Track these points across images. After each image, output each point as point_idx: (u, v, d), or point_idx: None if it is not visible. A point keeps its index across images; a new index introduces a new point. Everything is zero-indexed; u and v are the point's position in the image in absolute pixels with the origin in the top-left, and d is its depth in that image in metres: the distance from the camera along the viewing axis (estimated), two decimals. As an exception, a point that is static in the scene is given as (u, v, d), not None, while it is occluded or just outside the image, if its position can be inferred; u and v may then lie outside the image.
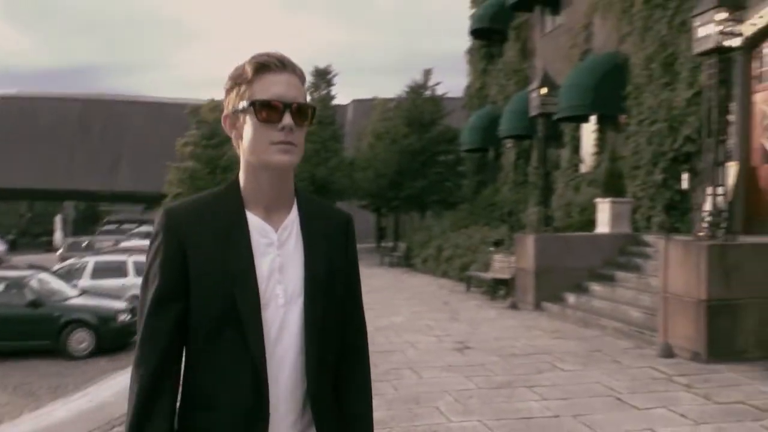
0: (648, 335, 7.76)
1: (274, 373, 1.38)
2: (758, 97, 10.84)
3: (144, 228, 24.73)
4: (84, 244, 21.87)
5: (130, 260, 13.50)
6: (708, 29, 7.40)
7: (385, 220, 31.30)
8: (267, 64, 1.39)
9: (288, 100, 1.37)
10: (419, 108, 24.77)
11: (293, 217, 1.47)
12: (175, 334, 1.38)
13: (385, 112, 28.05)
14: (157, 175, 35.51)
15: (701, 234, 7.44)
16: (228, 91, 1.44)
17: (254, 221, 1.43)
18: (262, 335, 1.37)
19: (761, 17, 10.28)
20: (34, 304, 10.50)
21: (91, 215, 44.61)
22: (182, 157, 26.35)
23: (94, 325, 10.39)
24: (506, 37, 19.56)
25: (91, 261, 13.82)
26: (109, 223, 27.80)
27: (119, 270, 13.46)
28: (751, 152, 10.97)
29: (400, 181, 24.09)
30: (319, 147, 22.58)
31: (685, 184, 11.82)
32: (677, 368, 6.49)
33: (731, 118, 11.15)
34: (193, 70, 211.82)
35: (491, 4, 19.61)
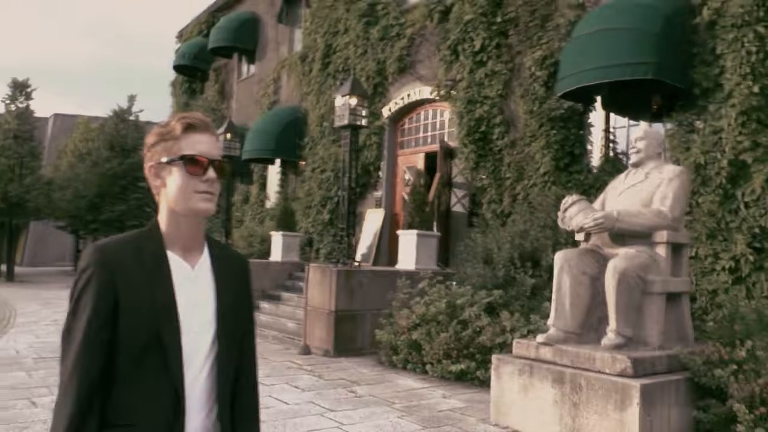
0: (297, 340, 9.93)
1: (189, 392, 1.56)
2: (401, 159, 14.01)
3: None
4: None
5: None
6: (344, 110, 9.93)
7: (83, 242, 30.43)
8: (194, 125, 1.60)
9: (212, 156, 1.59)
10: (122, 133, 25.17)
11: (205, 257, 1.67)
12: (104, 359, 1.50)
13: (87, 132, 27.70)
14: None
15: (333, 262, 9.90)
16: (152, 145, 1.62)
17: (174, 259, 1.61)
18: (182, 359, 1.54)
19: (402, 99, 13.46)
20: None
21: None
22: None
23: None
24: (207, 76, 21.26)
25: None
26: None
27: None
28: (395, 202, 14.05)
29: (100, 203, 24.09)
30: (15, 163, 21.66)
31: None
32: (308, 360, 8.72)
33: (381, 174, 14.25)
34: None
35: (195, 44, 21.14)
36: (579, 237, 6.28)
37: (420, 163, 13.08)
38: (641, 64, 8.01)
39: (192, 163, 1.57)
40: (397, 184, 14.03)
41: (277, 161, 17.03)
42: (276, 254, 13.59)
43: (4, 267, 23.79)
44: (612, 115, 9.83)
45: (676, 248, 5.83)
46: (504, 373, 5.92)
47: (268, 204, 17.68)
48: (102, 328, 1.49)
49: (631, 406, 4.87)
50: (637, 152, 6.14)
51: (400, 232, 10.93)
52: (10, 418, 5.57)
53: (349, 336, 9.19)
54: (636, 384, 4.88)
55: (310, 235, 14.99)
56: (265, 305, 12.09)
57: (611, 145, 9.68)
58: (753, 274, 7.33)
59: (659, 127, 8.70)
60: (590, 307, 5.74)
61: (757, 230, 7.27)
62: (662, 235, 5.65)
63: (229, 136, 13.41)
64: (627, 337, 5.44)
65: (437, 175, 11.71)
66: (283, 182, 17.09)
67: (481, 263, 8.74)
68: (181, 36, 23.27)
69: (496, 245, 8.67)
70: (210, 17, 21.28)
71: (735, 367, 5.05)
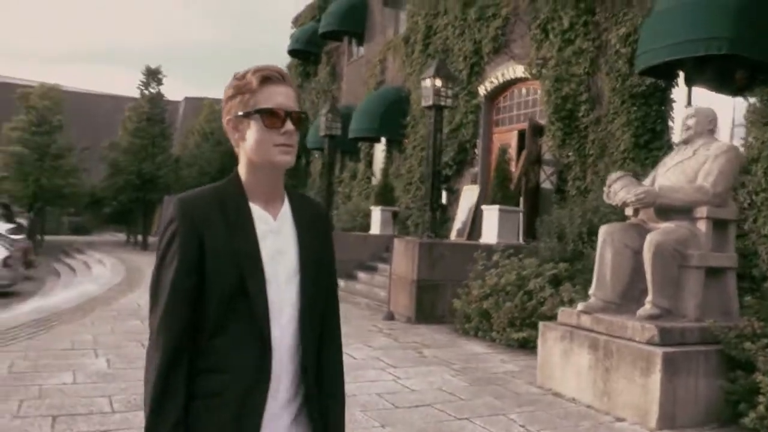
0: (386, 308, 10.71)
1: (277, 342, 1.57)
2: (496, 137, 14.36)
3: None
4: None
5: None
6: (429, 91, 10.47)
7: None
8: (270, 77, 1.59)
9: (289, 108, 1.59)
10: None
11: (286, 208, 1.67)
12: (192, 310, 1.53)
13: (212, 113, 29.88)
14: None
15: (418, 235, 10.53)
16: (229, 98, 1.62)
17: (256, 210, 1.61)
18: (268, 308, 1.56)
19: (497, 78, 13.77)
20: None
21: None
22: (9, 141, 26.42)
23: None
24: (320, 59, 22.37)
25: None
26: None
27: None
28: (490, 179, 14.42)
29: (222, 179, 26.07)
30: (147, 143, 24.00)
31: (444, 199, 15.16)
32: (390, 325, 9.46)
33: (477, 151, 14.67)
34: None
35: (307, 29, 22.31)
36: (628, 212, 6.54)
37: (513, 140, 13.37)
38: (715, 39, 7.94)
39: (269, 116, 1.58)
40: (492, 161, 14.37)
41: (383, 139, 17.79)
42: (375, 227, 14.41)
43: (140, 237, 26.36)
44: (696, 90, 9.74)
45: (719, 224, 5.97)
46: (549, 339, 6.36)
47: (374, 181, 18.52)
48: (189, 279, 1.53)
49: (654, 372, 5.21)
50: (687, 129, 6.31)
51: (483, 207, 11.37)
52: (123, 354, 6.93)
53: (430, 304, 9.82)
54: (659, 351, 5.20)
55: (410, 210, 15.67)
56: (361, 275, 12.95)
57: (695, 120, 9.60)
58: (828, 252, 7.23)
59: (740, 100, 8.63)
60: (632, 279, 6.03)
61: (833, 207, 7.14)
62: (702, 211, 5.83)
63: (330, 116, 14.29)
64: (663, 309, 5.71)
65: (524, 153, 12.01)
66: (388, 159, 17.85)
67: (555, 238, 9.08)
68: (296, 21, 24.52)
69: (568, 220, 8.96)
70: (322, 2, 22.30)
71: (766, 341, 5.23)
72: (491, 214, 10.79)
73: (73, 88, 39.15)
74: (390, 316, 10.00)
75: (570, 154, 11.12)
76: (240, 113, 1.60)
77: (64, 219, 36.81)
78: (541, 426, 5.09)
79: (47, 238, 29.46)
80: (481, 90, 14.17)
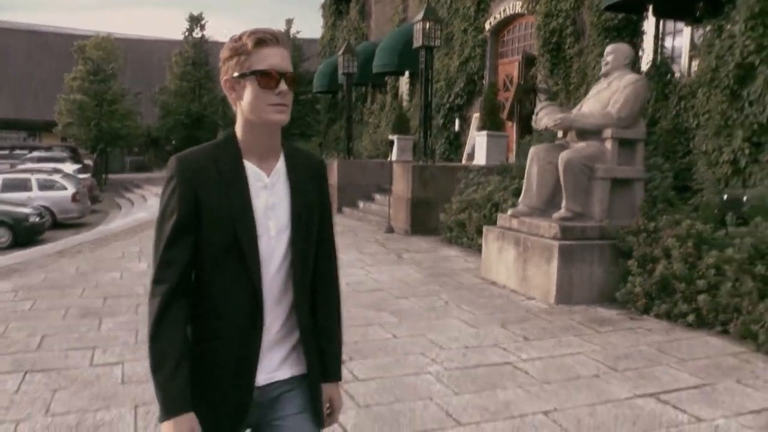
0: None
1: (267, 290, 1.71)
2: (500, 68, 15.44)
3: (36, 153, 27.32)
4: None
5: (33, 178, 16.94)
6: (419, 34, 11.69)
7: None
8: (264, 39, 1.65)
9: (283, 69, 1.66)
10: (283, 53, 28.40)
11: (281, 165, 1.77)
12: (189, 259, 1.67)
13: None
14: (40, 104, 37.30)
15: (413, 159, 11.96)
16: (227, 60, 1.69)
17: (250, 167, 1.72)
18: (259, 261, 1.69)
19: (499, 14, 14.77)
20: (-39, 209, 13.92)
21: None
22: (71, 90, 28.85)
23: (11, 224, 13.93)
24: (350, -2, 23.44)
25: (-1, 178, 17.12)
26: (0, 149, 30.07)
27: (24, 186, 16.87)
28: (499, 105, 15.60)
29: None
30: (194, 85, 25.86)
31: (456, 126, 16.44)
32: (387, 237, 11.05)
33: (484, 82, 15.79)
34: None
35: (338, -30, 23.33)
36: (560, 134, 7.82)
37: (515, 71, 14.44)
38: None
39: (264, 77, 1.63)
40: (499, 90, 15.50)
41: (406, 73, 18.96)
42: (393, 154, 15.83)
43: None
44: (664, 22, 10.66)
45: (626, 143, 7.21)
46: (489, 240, 7.83)
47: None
48: (185, 231, 1.65)
49: (553, 260, 6.65)
50: (606, 65, 7.51)
51: (474, 133, 12.66)
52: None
53: (423, 219, 11.32)
54: (557, 244, 6.62)
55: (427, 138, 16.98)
56: (377, 196, 14.52)
57: (660, 49, 10.58)
58: (749, 166, 8.35)
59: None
60: (555, 189, 7.37)
61: (756, 127, 8.21)
62: (608, 132, 7.09)
63: (348, 56, 15.67)
64: (576, 212, 7.07)
65: (515, 82, 13.13)
66: (411, 91, 19.07)
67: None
68: (330, -39, 25.45)
69: (539, 142, 10.21)
70: (351, -58, 23.15)
71: (644, 235, 6.57)
72: (481, 139, 12.10)
73: (126, 34, 41.12)
74: (390, 230, 11.58)
75: (559, 82, 12.22)
76: (236, 74, 1.67)
77: (127, 158, 39.54)
78: (461, 302, 6.64)
79: (111, 176, 32.18)
80: (487, 25, 15.20)
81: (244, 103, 1.69)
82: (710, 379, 4.51)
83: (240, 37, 1.68)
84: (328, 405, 1.93)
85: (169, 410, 1.61)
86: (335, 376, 1.95)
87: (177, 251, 1.66)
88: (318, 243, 1.86)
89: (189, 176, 1.66)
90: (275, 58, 1.66)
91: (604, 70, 7.54)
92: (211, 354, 1.70)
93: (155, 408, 3.62)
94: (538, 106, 7.59)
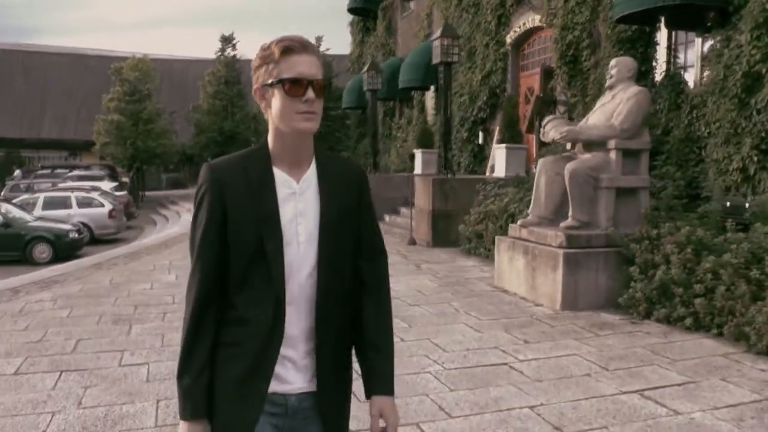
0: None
1: (295, 297, 1.70)
2: (522, 81, 15.73)
3: (76, 172, 28.38)
4: (23, 187, 25.39)
5: (73, 195, 17.75)
6: (437, 50, 12.06)
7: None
8: (291, 47, 1.66)
9: (310, 77, 1.65)
10: (313, 71, 29.04)
11: (312, 172, 1.76)
12: (218, 266, 1.70)
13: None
14: (80, 124, 38.60)
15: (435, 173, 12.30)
16: (257, 68, 1.71)
17: (279, 175, 1.72)
18: (283, 269, 1.68)
19: (519, 27, 15.07)
20: (5, 225, 14.67)
21: (11, 162, 46.89)
22: (108, 110, 29.95)
23: (52, 240, 14.64)
24: (377, 15, 23.94)
25: (41, 196, 17.95)
26: (43, 168, 31.34)
27: (64, 203, 17.69)
28: (520, 117, 15.86)
29: None
30: (226, 103, 26.65)
31: (480, 139, 16.73)
32: (409, 249, 11.39)
33: (506, 94, 16.08)
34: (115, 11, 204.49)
35: (365, -13, 23.88)
36: (568, 146, 8.09)
37: (536, 83, 14.71)
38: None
39: (291, 85, 1.64)
40: (520, 103, 15.78)
41: (432, 87, 19.34)
42: (417, 168, 16.21)
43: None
44: (676, 33, 10.86)
45: (630, 153, 7.45)
46: (501, 249, 8.11)
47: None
48: (214, 239, 1.69)
49: (559, 268, 6.91)
50: (610, 78, 7.77)
51: (494, 146, 12.95)
52: (188, 270, 9.06)
53: (444, 231, 11.63)
54: (561, 252, 6.89)
55: (451, 152, 17.31)
56: (403, 210, 14.85)
57: (672, 60, 10.78)
58: (758, 173, 8.50)
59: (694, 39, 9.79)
60: (563, 199, 7.63)
61: (764, 134, 8.38)
62: (612, 143, 7.34)
63: (371, 73, 16.15)
64: (582, 221, 7.32)
65: (535, 95, 13.40)
66: (437, 106, 19.43)
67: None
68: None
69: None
70: (375, -39, 23.70)
71: (647, 242, 6.80)
72: (500, 152, 12.39)
73: (161, 55, 42.46)
74: (412, 242, 11.91)
75: (576, 94, 12.47)
76: (265, 83, 1.69)
77: (163, 176, 40.61)
78: (471, 308, 6.94)
79: (148, 193, 33.23)
80: (508, 39, 15.51)
81: (273, 111, 1.70)
82: (697, 377, 4.75)
83: (269, 46, 1.70)
84: (381, 420, 1.82)
85: (186, 414, 1.70)
86: (385, 390, 1.84)
87: (207, 259, 1.70)
88: (359, 249, 1.84)
89: (218, 184, 1.69)
90: (303, 66, 1.66)
91: (608, 83, 7.80)
92: (226, 360, 1.71)
93: (175, 402, 4.06)
94: (546, 119, 7.88)
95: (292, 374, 1.73)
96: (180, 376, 1.70)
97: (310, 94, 1.65)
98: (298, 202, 1.72)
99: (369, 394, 1.84)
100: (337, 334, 1.78)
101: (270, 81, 1.67)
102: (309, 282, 1.72)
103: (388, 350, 1.86)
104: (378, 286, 1.88)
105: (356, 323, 1.85)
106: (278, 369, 1.71)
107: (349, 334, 1.84)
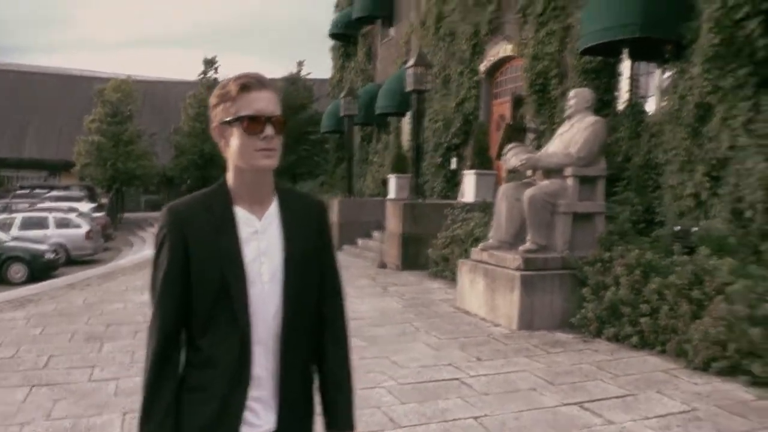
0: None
1: (261, 338, 1.68)
2: (495, 108, 16.19)
3: (55, 193, 28.44)
4: (1, 206, 25.42)
5: (51, 216, 17.89)
6: (411, 77, 12.47)
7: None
8: (249, 84, 1.64)
9: (269, 114, 1.64)
10: (293, 94, 29.51)
11: (274, 209, 1.74)
12: (180, 307, 1.67)
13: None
14: (61, 144, 38.60)
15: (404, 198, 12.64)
16: (214, 106, 1.70)
17: (241, 214, 1.70)
18: (248, 309, 1.66)
19: (493, 56, 15.56)
20: (-20, 246, 14.79)
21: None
22: (89, 131, 30.12)
23: (28, 260, 14.75)
24: (357, 41, 24.44)
25: (18, 216, 18.07)
26: (21, 188, 31.37)
27: (42, 224, 17.82)
28: (491, 144, 16.28)
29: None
30: (206, 126, 26.84)
31: (453, 165, 17.12)
32: (379, 272, 11.67)
33: (477, 121, 16.52)
34: (100, 30, 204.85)
35: (346, 14, 24.29)
36: (528, 173, 8.45)
37: (508, 111, 15.17)
38: (629, 25, 9.61)
39: (249, 122, 1.62)
40: (492, 130, 16.23)
41: (408, 114, 19.75)
42: (391, 193, 16.55)
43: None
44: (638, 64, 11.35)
45: (587, 180, 7.83)
46: (463, 272, 8.42)
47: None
48: (175, 282, 1.66)
49: (516, 289, 7.23)
50: (569, 108, 8.19)
51: (464, 172, 13.32)
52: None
53: (414, 254, 11.92)
54: (518, 275, 7.21)
55: (425, 177, 17.69)
56: (375, 233, 15.17)
57: (634, 90, 11.25)
58: (710, 199, 8.91)
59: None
60: (523, 224, 7.97)
61: (714, 162, 8.80)
62: (569, 170, 7.72)
63: (348, 99, 16.57)
64: (540, 245, 7.66)
65: (505, 123, 13.83)
66: (412, 132, 19.83)
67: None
68: (337, 6, 26.56)
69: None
70: (355, -12, 24.21)
71: (599, 265, 7.14)
72: (470, 177, 12.77)
73: (144, 76, 42.73)
74: (383, 265, 12.20)
75: (545, 121, 12.91)
76: (223, 120, 1.67)
77: (142, 197, 40.67)
78: (431, 328, 7.23)
79: (127, 214, 33.28)
80: (482, 67, 15.98)
81: (231, 149, 1.67)
82: (635, 390, 5.06)
83: (227, 84, 1.69)
84: None
85: None
86: (347, 426, 1.86)
87: (168, 300, 1.67)
88: (321, 286, 1.83)
89: (178, 226, 1.67)
90: (261, 103, 1.64)
91: (567, 112, 8.21)
92: (191, 406, 1.68)
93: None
94: (507, 147, 8.26)
95: (262, 414, 1.71)
96: (142, 423, 1.67)
97: (269, 131, 1.64)
98: (261, 241, 1.71)
99: (329, 429, 1.86)
100: (302, 370, 1.79)
101: (228, 119, 1.66)
102: (275, 322, 1.71)
103: (348, 386, 1.88)
104: (336, 323, 1.89)
105: (316, 357, 1.86)
106: (246, 414, 1.68)
107: (312, 367, 1.85)
